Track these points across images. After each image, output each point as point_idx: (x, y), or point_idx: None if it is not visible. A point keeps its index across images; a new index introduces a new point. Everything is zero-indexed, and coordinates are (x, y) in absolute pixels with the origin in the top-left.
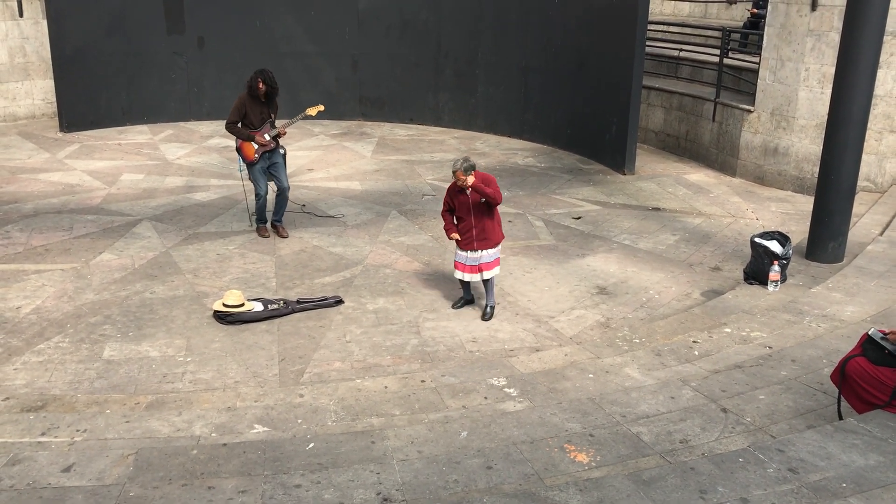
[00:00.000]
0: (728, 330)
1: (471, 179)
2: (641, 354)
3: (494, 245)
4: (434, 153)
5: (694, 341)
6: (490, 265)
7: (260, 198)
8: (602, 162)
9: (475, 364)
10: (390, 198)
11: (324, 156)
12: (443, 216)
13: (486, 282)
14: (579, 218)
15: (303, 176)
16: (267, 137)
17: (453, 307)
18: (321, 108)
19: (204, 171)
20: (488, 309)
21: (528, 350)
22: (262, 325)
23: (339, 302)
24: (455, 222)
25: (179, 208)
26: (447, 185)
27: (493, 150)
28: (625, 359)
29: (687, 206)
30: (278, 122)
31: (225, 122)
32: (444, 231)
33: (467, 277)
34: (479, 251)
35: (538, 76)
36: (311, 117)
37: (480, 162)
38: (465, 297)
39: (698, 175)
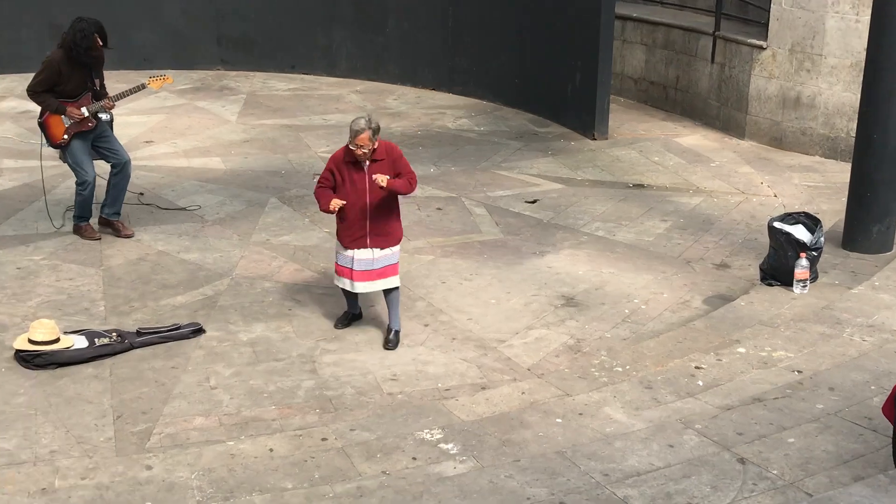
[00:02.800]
0: (742, 350)
1: (375, 166)
2: (626, 388)
3: (395, 242)
4: (328, 114)
5: (697, 367)
6: (390, 270)
7: (86, 185)
8: (563, 123)
9: (397, 411)
10: (267, 180)
11: (168, 121)
12: (316, 195)
13: (387, 294)
14: (535, 202)
15: (138, 151)
16: (85, 112)
17: (336, 326)
18: (169, 79)
19: None
20: (392, 335)
21: (470, 388)
22: (88, 369)
23: (199, 331)
24: (337, 210)
25: None
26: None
27: (411, 110)
28: (604, 395)
29: (680, 181)
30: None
31: (28, 85)
32: (321, 210)
33: (356, 287)
34: (374, 249)
35: (471, 6)
36: (152, 91)
37: (394, 126)
38: (352, 310)
39: (694, 137)
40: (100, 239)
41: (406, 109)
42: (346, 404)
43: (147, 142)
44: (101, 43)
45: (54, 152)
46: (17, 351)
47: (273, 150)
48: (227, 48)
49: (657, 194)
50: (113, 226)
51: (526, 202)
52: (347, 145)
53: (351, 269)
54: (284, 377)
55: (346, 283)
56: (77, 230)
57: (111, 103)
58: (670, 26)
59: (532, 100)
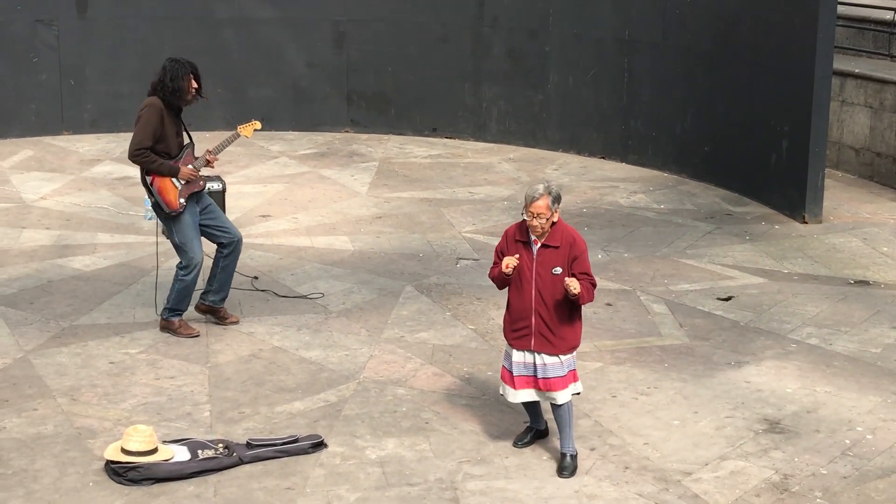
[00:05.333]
0: None
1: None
2: None
3: (567, 350)
4: (475, 187)
5: None
6: (558, 384)
7: (191, 269)
8: (765, 201)
9: None
10: (402, 264)
11: (288, 192)
12: (490, 276)
13: (556, 409)
14: (729, 299)
15: (253, 227)
16: (195, 169)
17: (517, 444)
18: (257, 125)
19: (86, 220)
20: (568, 460)
21: None
22: (189, 487)
23: (320, 445)
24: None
25: (45, 283)
26: (504, 230)
27: (575, 182)
28: None
29: None
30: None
31: (131, 145)
32: (494, 279)
33: (517, 397)
34: (540, 354)
35: (651, 57)
36: (245, 140)
37: None
38: (533, 423)
39: None
40: (198, 336)
41: (569, 182)
42: None
43: (263, 216)
44: (196, 85)
45: (152, 226)
46: (109, 462)
47: (410, 229)
48: (357, 107)
49: (886, 294)
50: (216, 313)
51: (718, 299)
52: (521, 220)
53: (511, 374)
54: None
55: (507, 392)
56: (168, 326)
57: (214, 157)
58: None
59: (725, 172)
